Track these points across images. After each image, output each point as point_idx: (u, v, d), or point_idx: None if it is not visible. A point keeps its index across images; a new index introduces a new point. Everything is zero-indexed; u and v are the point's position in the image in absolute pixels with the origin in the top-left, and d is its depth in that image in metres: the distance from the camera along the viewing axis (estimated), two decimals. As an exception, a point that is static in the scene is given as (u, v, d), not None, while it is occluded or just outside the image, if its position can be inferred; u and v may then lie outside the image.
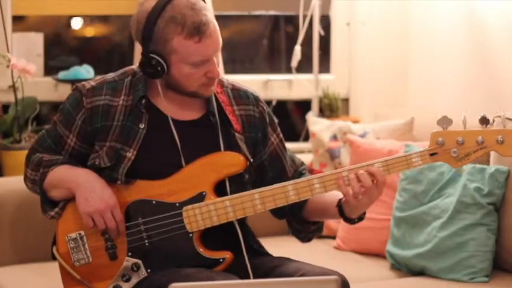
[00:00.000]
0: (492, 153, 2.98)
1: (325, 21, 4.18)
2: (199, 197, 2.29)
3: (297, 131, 4.29)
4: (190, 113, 2.38)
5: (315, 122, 3.72)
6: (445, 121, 2.20)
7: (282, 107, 4.29)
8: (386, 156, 2.33)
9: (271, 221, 2.56)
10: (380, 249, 3.16)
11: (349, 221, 2.32)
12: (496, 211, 2.93)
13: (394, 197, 3.11)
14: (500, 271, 2.95)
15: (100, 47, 4.36)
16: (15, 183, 3.12)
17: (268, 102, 4.10)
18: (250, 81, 4.03)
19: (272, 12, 4.42)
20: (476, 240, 2.89)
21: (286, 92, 4.23)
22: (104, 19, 4.30)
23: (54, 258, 2.37)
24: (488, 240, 2.90)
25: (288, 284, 1.68)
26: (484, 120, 2.19)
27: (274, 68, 4.49)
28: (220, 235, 2.32)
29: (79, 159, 2.39)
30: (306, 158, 3.65)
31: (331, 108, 4.08)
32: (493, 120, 2.60)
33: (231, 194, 2.29)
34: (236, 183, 2.33)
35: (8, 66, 3.43)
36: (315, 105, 4.12)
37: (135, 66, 2.43)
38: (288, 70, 4.18)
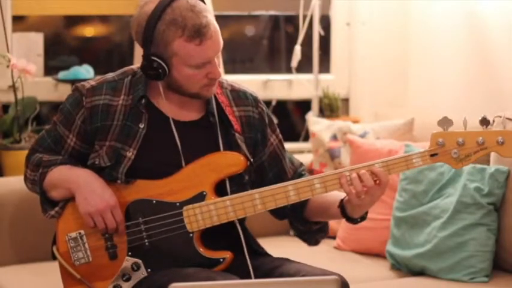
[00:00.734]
0: (492, 154, 2.98)
1: (325, 21, 4.18)
2: (200, 197, 2.29)
3: (297, 131, 4.29)
4: (190, 114, 2.38)
5: (315, 122, 3.72)
6: (445, 122, 2.20)
7: (282, 107, 4.29)
8: (386, 156, 2.34)
9: (271, 221, 2.56)
10: (380, 249, 3.16)
11: (351, 220, 2.32)
12: (496, 211, 2.93)
13: (394, 197, 3.11)
14: (500, 271, 2.95)
15: (100, 47, 4.37)
16: (15, 183, 3.13)
17: (268, 102, 4.11)
18: (250, 81, 4.03)
19: (272, 12, 4.42)
20: (476, 240, 2.89)
21: (286, 92, 4.23)
22: (104, 19, 4.30)
23: (54, 257, 2.37)
24: (488, 240, 2.90)
25: (288, 284, 1.68)
26: (484, 121, 2.19)
27: (274, 68, 4.49)
28: (221, 235, 2.32)
29: (79, 159, 2.39)
30: (306, 158, 3.65)
31: (331, 108, 4.08)
32: (493, 121, 2.60)
33: (231, 194, 2.29)
34: (236, 184, 2.33)
35: (8, 66, 3.43)
36: (315, 105, 4.12)
37: (135, 66, 2.43)
38: (288, 70, 4.18)
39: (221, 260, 2.29)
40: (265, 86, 4.18)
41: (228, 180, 2.32)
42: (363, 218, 2.33)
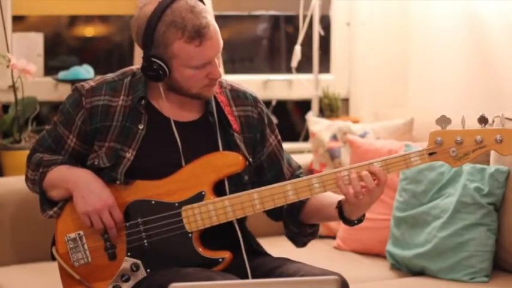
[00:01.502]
0: (492, 153, 2.98)
1: (325, 21, 4.18)
2: (199, 197, 2.29)
3: (297, 131, 4.29)
4: (189, 114, 2.38)
5: (315, 122, 3.72)
6: (443, 120, 2.20)
7: (282, 107, 4.29)
8: (386, 156, 2.33)
9: (271, 222, 2.56)
10: (380, 249, 3.16)
11: (349, 222, 2.31)
12: (496, 211, 2.93)
13: (394, 197, 3.11)
14: (500, 271, 2.95)
15: (100, 47, 4.37)
16: (15, 183, 3.13)
17: (268, 102, 4.11)
18: (250, 81, 4.03)
19: (272, 12, 4.42)
20: (476, 240, 2.89)
21: (286, 92, 4.23)
22: (104, 19, 4.30)
23: (53, 258, 2.37)
24: (488, 240, 2.90)
25: (288, 284, 1.68)
26: (482, 120, 2.19)
27: (274, 68, 4.49)
28: (220, 235, 2.32)
29: (79, 160, 2.39)
30: (306, 158, 3.65)
31: (331, 108, 4.08)
32: (493, 121, 2.60)
33: (230, 194, 2.29)
34: (235, 184, 2.33)
35: (8, 66, 3.43)
36: (315, 105, 4.12)
37: (134, 66, 2.43)
38: (288, 70, 4.18)
39: (220, 260, 2.29)
40: (265, 86, 4.18)
41: (227, 180, 2.32)
42: (360, 220, 2.32)
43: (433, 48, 3.91)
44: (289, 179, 2.43)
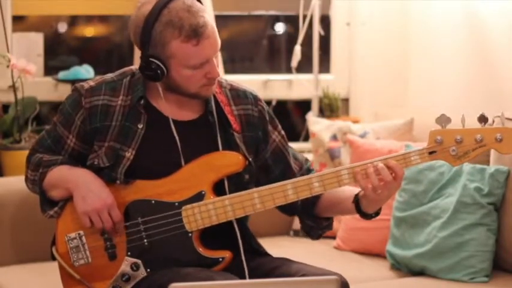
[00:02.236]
0: (492, 153, 2.98)
1: (325, 21, 4.18)
2: (199, 197, 2.29)
3: (297, 131, 4.29)
4: (189, 114, 2.38)
5: (315, 122, 3.72)
6: (443, 119, 2.20)
7: (282, 107, 4.29)
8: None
9: (271, 221, 2.57)
10: (380, 249, 3.15)
11: (366, 216, 2.32)
12: (496, 211, 2.93)
13: (394, 197, 3.11)
14: (500, 271, 2.95)
15: (100, 47, 4.37)
16: (15, 183, 3.13)
17: (268, 102, 4.11)
18: (250, 81, 4.04)
19: (272, 12, 4.42)
20: (476, 240, 2.89)
21: (286, 92, 4.23)
22: (104, 19, 4.30)
23: (53, 258, 2.37)
24: (488, 240, 2.90)
25: (288, 284, 1.68)
26: (482, 119, 2.19)
27: (274, 68, 4.49)
28: (220, 235, 2.32)
29: (79, 160, 2.39)
30: (306, 158, 3.65)
31: (331, 108, 4.08)
32: (493, 121, 2.60)
33: (230, 193, 2.29)
34: (235, 183, 2.33)
35: (8, 66, 3.43)
36: (315, 105, 4.12)
37: (133, 66, 2.43)
38: (288, 70, 4.18)
39: (220, 259, 2.29)
40: (265, 86, 4.18)
41: (226, 179, 2.32)
42: (377, 213, 2.32)
43: (433, 48, 3.91)
44: (298, 172, 2.44)
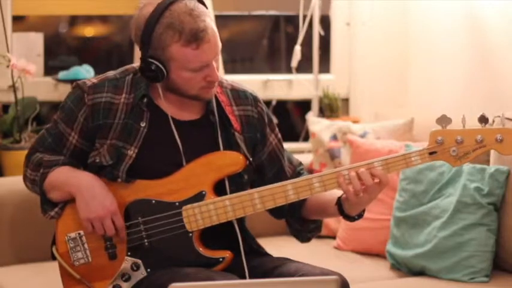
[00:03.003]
0: (492, 153, 2.98)
1: (325, 21, 4.18)
2: (199, 197, 2.29)
3: (297, 131, 4.29)
4: (190, 114, 2.38)
5: (315, 122, 3.72)
6: (444, 120, 2.20)
7: (282, 107, 4.29)
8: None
9: (271, 221, 2.56)
10: (380, 249, 3.15)
11: (349, 218, 2.33)
12: (496, 211, 2.92)
13: (394, 197, 3.11)
14: (500, 271, 2.94)
15: (100, 47, 4.37)
16: (15, 183, 3.12)
17: (268, 102, 4.11)
18: (250, 81, 4.03)
19: (272, 12, 4.42)
20: (476, 240, 2.89)
21: (286, 92, 4.23)
22: (104, 19, 4.30)
23: (53, 258, 2.37)
24: (488, 240, 2.90)
25: (287, 284, 1.68)
26: (483, 119, 2.19)
27: (274, 68, 4.49)
28: (220, 235, 2.32)
29: (80, 158, 2.39)
30: (306, 158, 3.65)
31: (331, 108, 4.08)
32: (493, 121, 2.60)
33: (230, 193, 2.29)
34: (235, 183, 2.33)
35: (8, 66, 3.43)
36: (315, 105, 4.12)
37: (136, 64, 2.42)
38: (288, 70, 4.18)
39: (220, 259, 2.29)
40: (265, 86, 4.18)
41: (227, 179, 2.32)
42: (360, 215, 2.33)
43: (433, 48, 3.91)
44: (291, 176, 2.44)
